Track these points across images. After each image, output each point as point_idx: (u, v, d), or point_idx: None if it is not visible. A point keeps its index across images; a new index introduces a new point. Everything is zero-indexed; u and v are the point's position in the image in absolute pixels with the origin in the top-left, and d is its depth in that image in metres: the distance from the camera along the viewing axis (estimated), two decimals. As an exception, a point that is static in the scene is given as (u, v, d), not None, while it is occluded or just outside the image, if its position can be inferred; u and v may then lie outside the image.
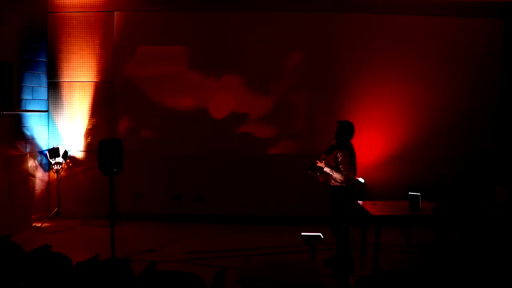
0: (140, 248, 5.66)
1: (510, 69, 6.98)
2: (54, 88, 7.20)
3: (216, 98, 7.12)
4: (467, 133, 7.06)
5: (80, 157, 7.23)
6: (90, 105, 7.18)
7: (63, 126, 7.23)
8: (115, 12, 7.08)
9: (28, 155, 6.73)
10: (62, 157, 7.06)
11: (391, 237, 5.99)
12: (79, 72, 7.15)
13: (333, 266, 5.08)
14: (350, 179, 4.96)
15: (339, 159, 4.94)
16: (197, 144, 7.15)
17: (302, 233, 4.62)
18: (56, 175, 7.09)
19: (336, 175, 4.96)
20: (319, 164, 5.04)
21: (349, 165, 4.91)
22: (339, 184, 4.98)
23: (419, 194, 5.15)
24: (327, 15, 7.01)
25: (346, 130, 5.04)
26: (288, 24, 7.01)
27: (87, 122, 7.20)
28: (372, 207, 5.19)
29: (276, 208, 7.10)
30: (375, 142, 7.00)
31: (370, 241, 5.22)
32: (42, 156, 7.07)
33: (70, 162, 7.21)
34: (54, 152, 7.00)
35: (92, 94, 7.17)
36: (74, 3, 7.07)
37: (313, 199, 6.79)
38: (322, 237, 4.54)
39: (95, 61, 7.13)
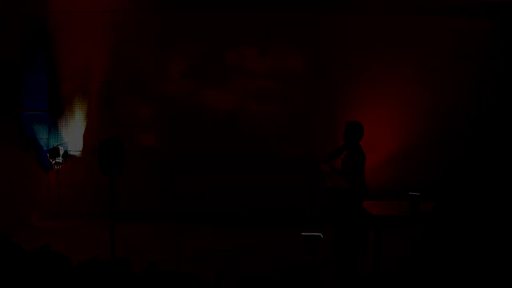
0: (140, 248, 5.66)
1: (511, 68, 6.98)
2: (55, 88, 7.19)
3: (217, 98, 7.13)
4: (467, 133, 7.05)
5: (80, 157, 7.23)
6: (90, 105, 7.18)
7: (63, 126, 7.23)
8: (116, 12, 7.08)
9: (28, 155, 6.73)
10: (62, 157, 7.06)
11: (391, 237, 5.98)
12: (80, 72, 7.15)
13: (333, 266, 5.06)
14: (357, 184, 4.82)
15: (347, 162, 4.80)
16: (197, 143, 7.15)
17: (302, 233, 4.61)
18: (56, 175, 7.09)
19: (341, 179, 4.83)
20: (324, 167, 4.94)
21: (356, 170, 4.78)
22: (346, 188, 4.84)
23: (419, 194, 5.13)
24: (328, 15, 7.01)
25: (355, 131, 4.90)
26: (288, 24, 7.00)
27: (87, 122, 7.20)
28: (372, 207, 5.17)
29: (277, 208, 7.09)
30: (375, 142, 6.98)
31: (370, 241, 5.22)
32: (42, 156, 7.07)
33: (70, 162, 7.20)
34: (54, 152, 7.00)
35: (92, 94, 7.17)
36: (75, 2, 7.07)
37: (313, 199, 6.78)
38: (322, 237, 4.53)
39: (96, 61, 7.13)
